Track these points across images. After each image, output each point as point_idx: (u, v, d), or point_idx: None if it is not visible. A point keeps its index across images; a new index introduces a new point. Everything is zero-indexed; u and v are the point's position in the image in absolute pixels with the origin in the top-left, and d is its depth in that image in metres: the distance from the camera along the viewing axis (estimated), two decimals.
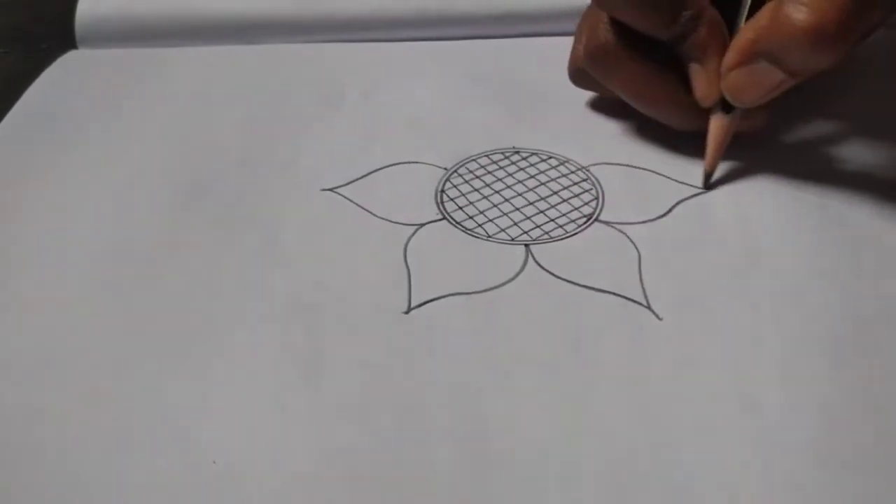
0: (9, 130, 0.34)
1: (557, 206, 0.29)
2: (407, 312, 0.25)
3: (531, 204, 0.29)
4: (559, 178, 0.30)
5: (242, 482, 0.21)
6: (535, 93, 0.34)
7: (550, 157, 0.31)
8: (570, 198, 0.29)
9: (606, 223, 0.28)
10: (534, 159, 0.31)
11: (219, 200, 0.30)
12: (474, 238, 0.28)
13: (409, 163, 0.31)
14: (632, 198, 0.29)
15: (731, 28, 0.28)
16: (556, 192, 0.29)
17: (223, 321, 0.25)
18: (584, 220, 0.28)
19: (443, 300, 0.25)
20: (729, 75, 0.27)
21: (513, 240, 0.27)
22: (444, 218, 0.28)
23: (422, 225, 0.28)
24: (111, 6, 0.39)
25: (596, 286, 0.26)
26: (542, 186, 0.30)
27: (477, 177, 0.30)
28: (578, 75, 0.32)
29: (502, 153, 0.31)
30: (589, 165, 0.31)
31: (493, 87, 0.35)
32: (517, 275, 0.26)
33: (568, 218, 0.28)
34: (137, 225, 0.29)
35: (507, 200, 0.29)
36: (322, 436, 0.22)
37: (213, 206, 0.29)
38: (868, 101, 0.33)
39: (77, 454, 0.22)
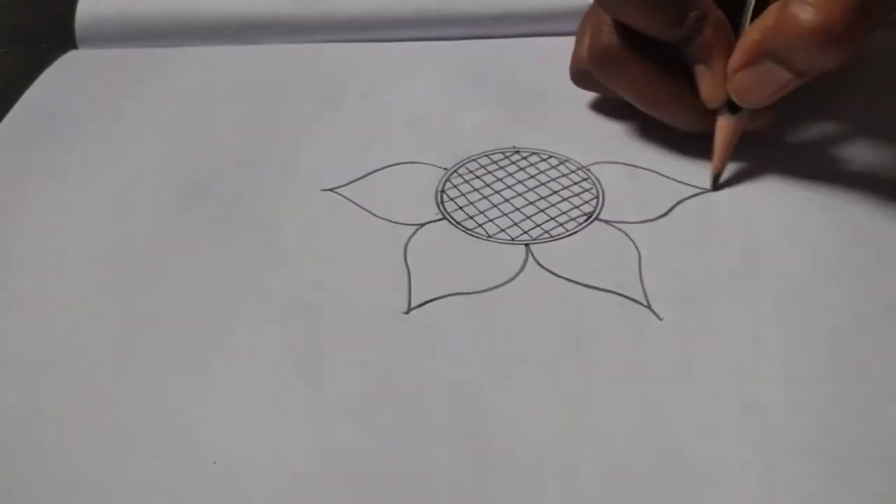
0: (9, 130, 0.34)
1: (558, 206, 0.29)
2: (407, 312, 0.25)
3: (531, 203, 0.29)
4: (559, 177, 0.30)
5: (242, 482, 0.21)
6: (535, 93, 0.34)
7: (550, 157, 0.31)
8: (570, 197, 0.29)
9: (607, 222, 0.28)
10: (534, 159, 0.31)
11: (219, 200, 0.30)
12: (474, 238, 0.28)
13: (409, 163, 0.31)
14: (632, 197, 0.29)
15: (736, 29, 0.28)
16: (556, 192, 0.29)
17: (223, 321, 0.25)
18: (585, 218, 0.28)
19: (443, 300, 0.25)
20: (735, 76, 0.27)
21: (513, 240, 0.27)
22: (445, 218, 0.28)
23: (422, 225, 0.28)
24: (111, 6, 0.39)
25: (596, 285, 0.26)
26: (543, 186, 0.30)
27: (477, 177, 0.30)
28: (581, 76, 0.32)
29: (502, 153, 0.31)
30: (589, 165, 0.31)
31: (493, 87, 0.35)
32: (517, 274, 0.26)
33: (568, 216, 0.28)
34: (137, 225, 0.29)
35: (507, 200, 0.29)
36: (322, 436, 0.22)
37: (213, 206, 0.29)
38: (870, 101, 0.33)
39: (77, 454, 0.22)
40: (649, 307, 0.25)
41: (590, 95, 0.33)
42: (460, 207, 0.29)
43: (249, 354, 0.24)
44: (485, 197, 0.29)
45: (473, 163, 0.31)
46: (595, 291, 0.25)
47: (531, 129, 0.33)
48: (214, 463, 0.21)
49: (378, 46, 0.38)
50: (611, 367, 0.23)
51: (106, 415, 0.23)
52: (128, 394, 0.23)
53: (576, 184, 0.30)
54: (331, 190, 0.30)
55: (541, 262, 0.27)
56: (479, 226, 0.28)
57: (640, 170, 0.30)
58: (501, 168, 0.31)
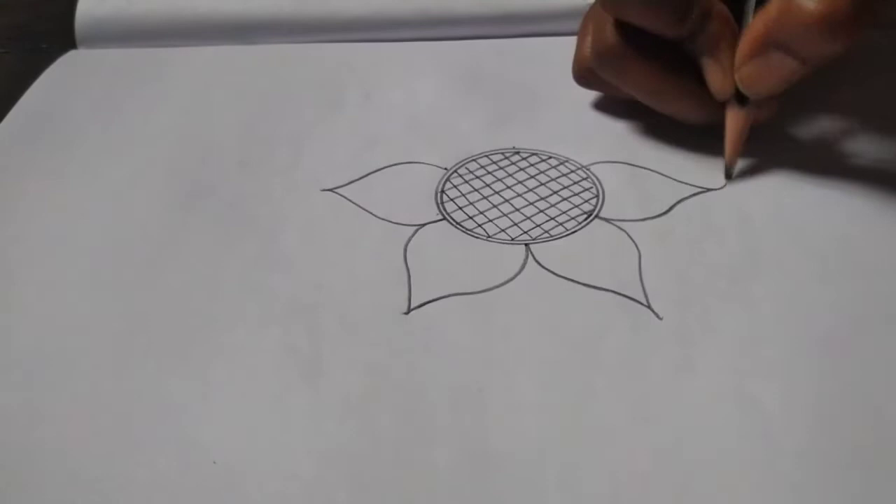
0: (9, 130, 0.34)
1: (557, 206, 0.29)
2: (407, 313, 0.25)
3: (531, 204, 0.29)
4: (559, 177, 0.30)
5: (242, 482, 0.21)
6: (535, 93, 0.34)
7: (550, 157, 0.31)
8: (570, 197, 0.29)
9: (607, 220, 0.28)
10: (534, 159, 0.31)
11: (219, 200, 0.30)
12: (474, 238, 0.28)
13: (408, 163, 0.31)
14: (632, 197, 0.29)
15: (740, 20, 0.28)
16: (556, 192, 0.29)
17: (223, 321, 0.25)
18: (585, 217, 0.28)
19: (443, 300, 0.25)
20: (742, 67, 0.27)
21: (513, 240, 0.27)
22: (444, 218, 0.28)
23: (422, 225, 0.28)
24: (111, 6, 0.39)
25: (596, 285, 0.26)
26: (542, 186, 0.30)
27: (477, 177, 0.30)
28: (585, 76, 0.32)
29: (502, 153, 0.31)
30: (589, 165, 0.31)
31: (493, 87, 0.35)
32: (517, 274, 0.26)
33: (568, 216, 0.28)
34: (137, 225, 0.29)
35: (507, 201, 0.29)
36: (322, 436, 0.22)
37: (213, 206, 0.29)
38: (870, 101, 0.33)
39: (77, 454, 0.22)
40: (649, 307, 0.25)
41: (589, 95, 0.33)
42: (460, 208, 0.29)
43: (249, 354, 0.24)
44: (485, 197, 0.29)
45: (473, 163, 0.31)
46: (595, 291, 0.25)
47: (531, 129, 0.33)
48: (214, 463, 0.21)
49: (378, 46, 0.38)
50: (610, 366, 0.23)
51: (106, 415, 0.23)
52: (128, 394, 0.23)
53: (576, 183, 0.30)
54: (331, 190, 0.30)
55: (541, 261, 0.27)
56: (479, 226, 0.28)
57: (641, 169, 0.30)
58: (501, 168, 0.31)
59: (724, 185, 0.29)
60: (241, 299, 0.26)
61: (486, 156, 0.31)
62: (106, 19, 0.39)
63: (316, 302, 0.26)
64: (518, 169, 0.31)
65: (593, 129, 0.32)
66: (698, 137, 0.30)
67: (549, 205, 0.29)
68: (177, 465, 0.21)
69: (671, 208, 0.28)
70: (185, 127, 0.34)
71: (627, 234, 0.27)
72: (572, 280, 0.26)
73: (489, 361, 0.23)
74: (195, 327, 0.25)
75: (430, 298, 0.25)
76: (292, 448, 0.22)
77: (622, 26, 0.29)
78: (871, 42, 0.35)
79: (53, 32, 0.40)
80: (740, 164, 0.30)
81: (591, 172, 0.30)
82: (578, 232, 0.28)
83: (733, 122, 0.29)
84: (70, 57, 0.39)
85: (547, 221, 0.28)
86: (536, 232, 0.28)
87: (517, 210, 0.29)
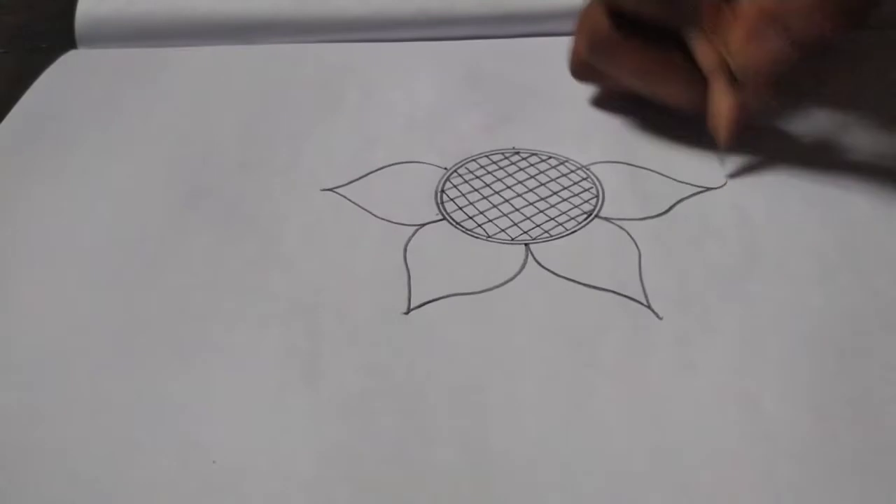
0: (9, 130, 0.34)
1: (557, 206, 0.29)
2: (407, 313, 0.25)
3: (531, 204, 0.29)
4: (559, 177, 0.30)
5: (242, 482, 0.21)
6: (534, 92, 0.34)
7: (550, 157, 0.31)
8: (570, 197, 0.29)
9: (607, 219, 0.28)
10: (534, 159, 0.31)
11: (219, 200, 0.30)
12: (474, 238, 0.28)
13: (408, 162, 0.31)
14: (632, 197, 0.29)
15: None
16: (555, 192, 0.29)
17: (223, 322, 0.25)
18: (585, 216, 0.28)
19: (443, 300, 0.25)
20: (736, 47, 0.27)
21: (513, 240, 0.27)
22: (444, 218, 0.28)
23: (422, 225, 0.28)
24: (111, 6, 0.39)
25: (596, 285, 0.26)
26: (542, 186, 0.30)
27: (477, 177, 0.30)
28: (581, 69, 0.32)
29: (502, 153, 0.31)
30: (589, 164, 0.31)
31: (492, 87, 0.35)
32: (517, 274, 0.26)
33: (568, 216, 0.28)
34: (137, 225, 0.29)
35: (506, 201, 0.29)
36: (322, 436, 0.22)
37: (213, 206, 0.29)
38: (870, 101, 0.33)
39: (77, 454, 0.22)
40: (649, 306, 0.25)
41: (589, 95, 0.33)
42: (460, 208, 0.29)
43: (249, 355, 0.24)
44: (484, 197, 0.29)
45: (473, 163, 0.31)
46: (595, 291, 0.25)
47: (531, 129, 0.33)
48: (214, 463, 0.21)
49: (378, 46, 0.38)
50: (610, 366, 0.23)
51: (106, 415, 0.23)
52: (128, 394, 0.23)
53: (576, 183, 0.30)
54: (331, 190, 0.30)
55: (541, 261, 0.27)
56: (479, 226, 0.28)
57: (641, 169, 0.30)
58: (501, 168, 0.31)
59: (725, 185, 0.29)
60: (242, 299, 0.26)
61: (486, 156, 0.31)
62: (106, 19, 0.39)
63: (316, 302, 0.26)
64: (518, 169, 0.31)
65: (593, 129, 0.32)
66: (698, 137, 0.30)
67: (548, 205, 0.29)
68: (177, 465, 0.21)
69: (671, 208, 0.28)
70: (185, 127, 0.34)
71: (628, 233, 0.27)
72: (572, 280, 0.26)
73: (489, 361, 0.23)
74: (195, 327, 0.25)
75: (430, 298, 0.25)
76: (292, 448, 0.22)
77: (616, 18, 0.29)
78: (870, 42, 0.35)
79: (53, 32, 0.40)
80: (740, 162, 0.30)
81: (590, 172, 0.30)
82: (578, 232, 0.28)
83: (722, 100, 0.28)
84: (70, 57, 0.39)
85: (547, 221, 0.28)
86: (536, 232, 0.28)
87: (517, 210, 0.29)
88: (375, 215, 0.29)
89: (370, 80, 0.36)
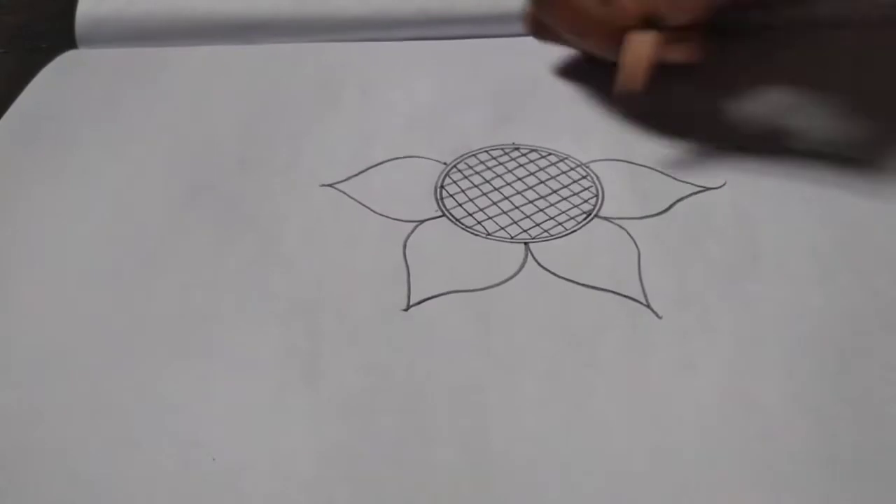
0: (8, 130, 0.34)
1: (557, 205, 0.29)
2: (406, 309, 0.25)
3: (531, 203, 0.29)
4: (559, 175, 0.30)
5: (242, 482, 0.21)
6: (534, 91, 0.34)
7: (550, 154, 0.31)
8: (569, 196, 0.29)
9: (606, 219, 0.28)
10: (533, 156, 0.31)
11: (218, 199, 0.30)
12: (474, 235, 0.28)
13: (408, 157, 0.31)
14: (632, 195, 0.29)
15: None
16: (555, 191, 0.29)
17: (223, 321, 0.25)
18: (584, 216, 0.28)
19: (442, 298, 0.25)
20: None
21: (512, 238, 0.27)
22: (444, 215, 0.28)
23: (421, 222, 0.28)
24: (111, 6, 0.39)
25: (595, 285, 0.26)
26: (542, 185, 0.30)
27: (476, 172, 0.30)
28: (534, 26, 0.34)
29: (502, 149, 0.31)
30: (588, 162, 0.31)
31: (492, 86, 0.35)
32: (517, 273, 0.26)
33: (567, 215, 0.28)
34: (137, 224, 0.29)
35: (506, 198, 0.29)
36: (322, 436, 0.22)
37: (213, 205, 0.29)
38: (870, 101, 0.33)
39: (77, 454, 0.22)
40: (648, 306, 0.25)
41: (589, 94, 0.33)
42: (459, 204, 0.29)
43: (249, 353, 0.24)
44: (484, 194, 0.29)
45: (473, 158, 0.31)
46: (595, 290, 0.25)
47: (530, 126, 0.33)
48: (213, 459, 0.21)
49: (377, 46, 0.38)
50: (610, 365, 0.23)
51: (106, 415, 0.23)
52: (127, 393, 0.23)
53: (575, 182, 0.30)
54: (330, 185, 0.30)
55: (540, 261, 0.26)
56: (479, 223, 0.28)
57: (640, 168, 0.30)
58: (501, 164, 0.31)
59: (724, 184, 0.29)
60: (241, 298, 0.26)
61: (486, 151, 0.31)
62: (106, 19, 0.39)
63: (315, 299, 0.26)
64: (518, 165, 0.31)
65: (593, 127, 0.32)
66: (698, 137, 0.30)
67: (548, 204, 0.29)
68: (176, 464, 0.21)
69: (671, 207, 0.28)
70: (184, 126, 0.34)
71: (627, 232, 0.27)
72: (572, 281, 0.26)
73: (489, 361, 0.23)
74: (195, 326, 0.25)
75: (430, 295, 0.25)
76: (292, 448, 0.22)
77: None
78: (870, 42, 0.35)
79: (53, 32, 0.40)
80: (740, 163, 0.30)
81: (590, 170, 0.30)
82: (578, 231, 0.28)
83: (635, 45, 0.29)
84: (70, 56, 0.39)
85: (546, 221, 0.28)
86: (536, 231, 0.28)
87: (516, 208, 0.29)
88: (375, 211, 0.29)
89: (370, 79, 0.36)
